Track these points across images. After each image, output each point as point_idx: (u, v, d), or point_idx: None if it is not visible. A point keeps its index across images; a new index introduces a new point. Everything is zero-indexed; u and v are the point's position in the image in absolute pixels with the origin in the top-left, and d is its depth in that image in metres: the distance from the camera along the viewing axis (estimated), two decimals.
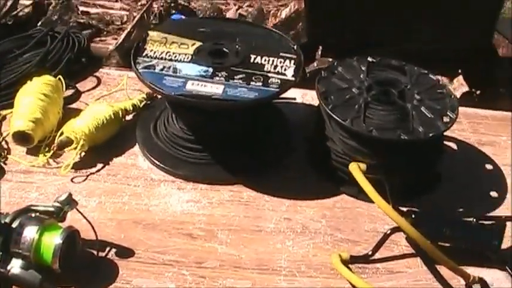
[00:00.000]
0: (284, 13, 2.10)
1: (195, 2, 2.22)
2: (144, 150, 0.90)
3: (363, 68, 0.91)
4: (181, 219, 0.84)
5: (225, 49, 0.90)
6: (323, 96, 0.85)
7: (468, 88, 1.89)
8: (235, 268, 0.78)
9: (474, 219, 0.80)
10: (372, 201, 0.78)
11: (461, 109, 1.03)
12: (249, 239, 0.80)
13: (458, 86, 1.91)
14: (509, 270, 0.78)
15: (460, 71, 1.94)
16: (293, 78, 0.85)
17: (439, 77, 0.92)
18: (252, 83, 0.83)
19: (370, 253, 0.78)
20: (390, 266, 0.79)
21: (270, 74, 0.85)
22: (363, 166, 0.77)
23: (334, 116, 0.81)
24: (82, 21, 1.82)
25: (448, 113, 0.85)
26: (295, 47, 0.92)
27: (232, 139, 0.89)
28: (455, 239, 0.79)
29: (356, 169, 0.74)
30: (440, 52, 1.89)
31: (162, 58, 0.87)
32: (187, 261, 0.77)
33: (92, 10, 2.09)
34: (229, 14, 2.15)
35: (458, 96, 1.83)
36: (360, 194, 0.85)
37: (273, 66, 0.87)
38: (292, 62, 0.88)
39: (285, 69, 0.86)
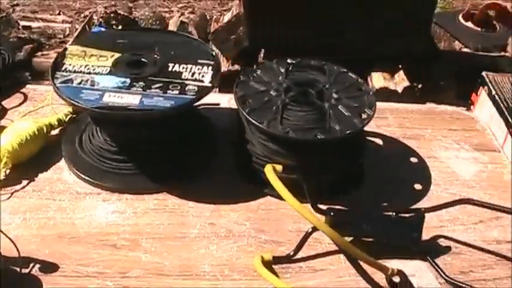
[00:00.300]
0: (226, 18, 2.11)
1: (137, 11, 2.23)
2: (70, 164, 0.90)
3: (282, 70, 0.91)
4: (106, 230, 0.84)
5: (143, 59, 0.90)
6: (241, 100, 0.86)
7: (409, 83, 1.92)
8: (159, 276, 0.78)
9: (393, 213, 0.80)
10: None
11: (387, 104, 1.04)
12: (173, 246, 0.81)
13: (400, 81, 1.94)
14: (430, 260, 0.79)
15: (400, 66, 1.97)
16: (210, 85, 0.85)
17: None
18: (168, 91, 0.83)
19: (292, 253, 0.78)
20: (313, 264, 0.80)
21: (187, 82, 0.86)
22: (279, 167, 0.78)
23: (251, 119, 0.82)
24: (23, 36, 1.82)
25: (365, 110, 0.86)
26: (213, 53, 0.92)
27: (155, 148, 0.89)
28: (375, 234, 0.80)
29: (270, 171, 0.74)
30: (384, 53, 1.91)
31: (80, 72, 0.88)
32: (111, 272, 0.78)
33: (34, 24, 2.09)
34: (172, 22, 2.15)
35: (400, 91, 1.86)
36: None
37: (190, 74, 0.87)
38: (210, 68, 0.88)
39: (202, 76, 0.87)
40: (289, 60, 0.94)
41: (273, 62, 0.94)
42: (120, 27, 1.88)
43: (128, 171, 0.89)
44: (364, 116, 0.85)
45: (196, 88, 0.85)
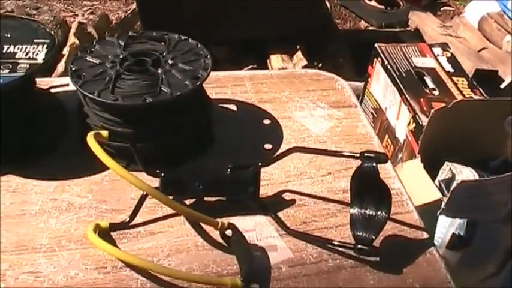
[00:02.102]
0: (125, 15, 2.11)
1: (36, 17, 2.21)
2: None
3: (121, 43, 0.91)
4: None
5: None
6: (75, 74, 0.85)
7: (307, 62, 1.94)
8: None
9: (229, 170, 0.80)
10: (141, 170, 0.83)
11: (246, 72, 1.05)
12: (12, 224, 0.80)
13: (298, 61, 1.96)
14: (271, 214, 0.80)
15: (298, 47, 1.99)
16: (43, 61, 0.84)
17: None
18: None
19: (128, 219, 0.78)
20: (152, 227, 0.80)
21: (20, 61, 0.86)
22: (105, 134, 0.77)
23: (82, 91, 0.81)
24: None
25: (200, 72, 0.86)
26: (52, 32, 0.91)
27: None
28: (211, 192, 0.80)
29: (91, 138, 0.74)
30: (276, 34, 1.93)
31: None
32: None
33: None
34: (74, 25, 2.14)
35: None
36: (130, 165, 0.85)
37: (25, 53, 0.87)
38: (45, 46, 0.87)
39: (36, 54, 0.87)
40: (130, 34, 0.94)
41: (113, 37, 0.93)
42: None
43: None
44: (198, 78, 0.84)
45: (27, 66, 0.84)
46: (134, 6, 2.17)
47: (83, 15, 2.28)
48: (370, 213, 0.75)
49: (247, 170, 0.82)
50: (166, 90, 0.82)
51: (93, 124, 0.86)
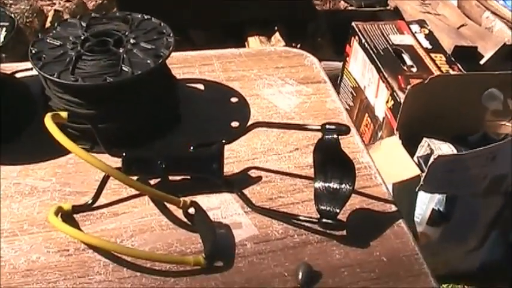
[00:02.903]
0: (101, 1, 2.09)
1: (13, 6, 2.18)
2: None
3: (84, 24, 0.89)
4: None
5: None
6: (35, 56, 0.84)
7: (285, 43, 1.92)
8: None
9: (191, 148, 0.79)
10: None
11: (214, 51, 1.04)
12: None
13: (276, 42, 1.94)
14: (236, 191, 0.79)
15: (276, 28, 1.97)
16: (1, 44, 0.83)
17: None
18: None
19: (91, 200, 0.77)
20: (116, 208, 0.80)
21: None
22: (64, 114, 0.76)
23: (42, 73, 0.80)
24: None
25: (162, 51, 0.84)
26: (12, 15, 0.90)
27: None
28: (174, 170, 0.79)
29: (48, 119, 0.72)
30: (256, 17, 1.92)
31: None
32: None
33: None
34: (51, 13, 2.12)
35: None
36: (94, 148, 0.84)
37: None
38: (4, 29, 0.86)
39: None
40: (93, 15, 0.92)
41: (76, 19, 0.92)
42: None
43: None
44: (161, 56, 0.83)
45: None
46: None
47: (59, 3, 2.25)
48: (335, 186, 0.75)
49: (210, 147, 0.79)
50: (127, 70, 0.81)
51: (56, 107, 0.86)
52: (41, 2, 2.51)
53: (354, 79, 1.80)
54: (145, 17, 0.94)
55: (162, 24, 0.92)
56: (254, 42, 1.90)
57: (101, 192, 0.78)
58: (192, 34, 1.84)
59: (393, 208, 0.81)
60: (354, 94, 1.83)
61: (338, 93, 1.09)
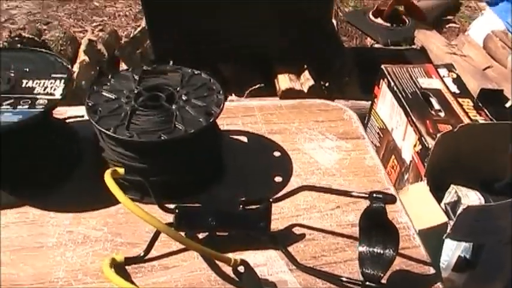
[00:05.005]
0: (135, 33, 2.14)
1: (46, 33, 2.24)
2: None
3: (136, 77, 0.93)
4: None
5: None
6: (91, 110, 0.88)
7: (314, 82, 1.96)
8: (14, 287, 0.79)
9: (240, 205, 0.83)
10: (154, 203, 0.85)
11: (255, 102, 1.08)
12: (29, 256, 0.82)
13: (305, 81, 1.98)
14: (282, 248, 0.82)
15: (305, 66, 2.01)
16: (60, 97, 0.87)
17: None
18: (19, 106, 0.85)
19: (143, 253, 0.80)
20: (166, 261, 0.82)
21: (38, 96, 0.88)
22: (121, 170, 0.80)
23: (99, 127, 0.84)
24: None
25: (213, 108, 0.88)
26: (68, 66, 0.94)
27: (15, 163, 0.90)
28: (223, 227, 0.83)
29: (107, 175, 0.76)
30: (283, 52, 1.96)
31: None
32: None
33: None
34: (84, 41, 2.17)
35: (306, 91, 1.90)
36: (144, 198, 0.87)
37: (43, 88, 0.89)
38: (62, 81, 0.90)
39: (54, 89, 0.89)
40: (144, 67, 0.96)
41: (128, 71, 0.96)
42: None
43: None
44: (211, 115, 0.87)
45: (46, 101, 0.87)
46: (143, 23, 2.19)
47: (92, 31, 2.31)
48: (378, 251, 0.78)
49: (258, 206, 0.83)
50: (180, 127, 0.85)
51: (109, 158, 0.89)
52: (74, 29, 2.57)
53: (382, 120, 1.84)
54: (195, 72, 0.97)
55: (211, 80, 0.96)
56: (284, 79, 1.93)
57: (152, 245, 0.82)
58: (221, 67, 1.88)
59: (431, 270, 0.84)
60: (381, 135, 1.86)
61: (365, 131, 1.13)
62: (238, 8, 1.76)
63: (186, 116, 0.87)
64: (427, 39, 2.50)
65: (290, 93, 1.94)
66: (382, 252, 0.78)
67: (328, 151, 1.02)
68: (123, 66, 2.07)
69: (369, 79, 1.99)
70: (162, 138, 0.84)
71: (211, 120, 0.87)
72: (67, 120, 1.04)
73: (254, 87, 1.92)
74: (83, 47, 2.23)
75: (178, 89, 0.93)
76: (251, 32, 1.81)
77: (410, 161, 1.68)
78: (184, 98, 0.91)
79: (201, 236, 0.86)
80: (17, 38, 1.91)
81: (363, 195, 0.78)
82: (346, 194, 0.85)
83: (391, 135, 1.76)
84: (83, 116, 1.04)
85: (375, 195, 0.76)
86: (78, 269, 0.82)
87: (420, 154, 1.65)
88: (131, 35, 2.15)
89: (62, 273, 0.81)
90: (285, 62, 2.00)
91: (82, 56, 2.12)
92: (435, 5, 2.82)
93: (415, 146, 1.67)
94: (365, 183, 0.96)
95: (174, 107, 0.89)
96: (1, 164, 0.90)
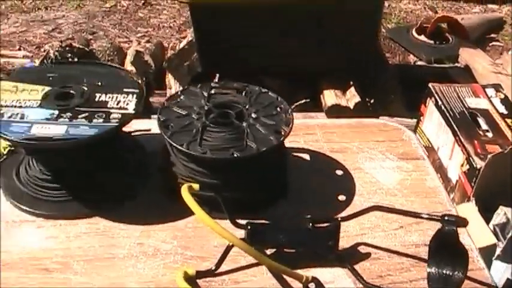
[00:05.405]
0: (182, 45, 2.17)
1: (94, 43, 2.28)
2: (6, 193, 0.94)
3: (205, 94, 0.96)
4: (39, 255, 0.88)
5: (71, 91, 0.94)
6: (163, 125, 0.90)
7: (360, 98, 1.97)
8: None
9: (310, 223, 0.85)
10: (223, 218, 0.86)
11: (316, 121, 1.10)
12: (102, 267, 0.85)
13: (351, 97, 1.99)
14: (349, 267, 0.84)
15: (351, 83, 2.02)
16: (134, 112, 0.90)
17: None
18: (94, 120, 0.88)
19: (214, 267, 0.82)
20: (236, 276, 0.84)
21: (112, 110, 0.90)
22: (196, 186, 0.82)
23: (172, 142, 0.86)
24: None
25: (282, 127, 0.90)
26: (139, 81, 0.96)
27: (86, 174, 0.93)
28: (293, 244, 0.84)
29: (184, 190, 0.79)
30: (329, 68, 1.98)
31: (11, 106, 0.92)
32: None
33: None
34: (130, 52, 2.20)
35: (352, 107, 1.91)
36: (211, 213, 0.89)
37: (116, 102, 0.92)
38: (135, 96, 0.93)
39: (127, 104, 0.91)
40: (212, 84, 0.98)
41: (196, 87, 0.98)
42: (76, 60, 1.92)
43: (61, 198, 0.93)
44: (280, 133, 0.89)
45: (120, 115, 0.89)
46: (189, 36, 2.22)
47: (139, 43, 2.34)
48: (447, 272, 0.79)
49: (328, 224, 0.85)
50: (252, 145, 0.87)
51: (179, 173, 0.91)
52: (118, 39, 2.61)
53: (427, 139, 1.84)
54: (263, 90, 0.99)
55: (279, 98, 0.98)
56: (329, 95, 1.95)
57: (223, 260, 0.83)
58: (267, 81, 1.90)
59: None
60: (426, 153, 1.86)
61: None
62: (287, 24, 1.77)
63: (256, 134, 0.89)
64: (472, 58, 2.51)
65: (336, 110, 1.96)
66: (451, 274, 0.79)
67: (389, 171, 1.04)
68: (169, 77, 2.10)
69: (412, 96, 1.99)
70: (235, 155, 0.85)
71: (281, 139, 0.89)
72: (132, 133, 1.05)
73: (300, 102, 1.93)
74: (129, 58, 2.26)
75: (247, 106, 0.94)
76: (298, 47, 1.82)
77: (457, 181, 1.69)
78: (253, 116, 0.93)
79: (268, 251, 0.86)
80: (67, 48, 1.94)
81: (435, 217, 0.79)
82: (416, 215, 0.86)
83: (437, 153, 1.77)
84: (149, 130, 1.06)
85: (447, 218, 0.77)
86: (150, 280, 0.84)
87: (467, 174, 1.65)
88: (177, 47, 2.18)
89: (134, 284, 0.83)
90: (330, 77, 2.01)
91: (129, 67, 2.16)
92: (478, 23, 2.82)
93: (462, 165, 1.68)
94: (427, 204, 0.97)
95: (244, 124, 0.91)
96: (74, 176, 0.92)
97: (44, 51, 2.28)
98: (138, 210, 0.95)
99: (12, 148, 1.05)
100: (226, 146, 0.87)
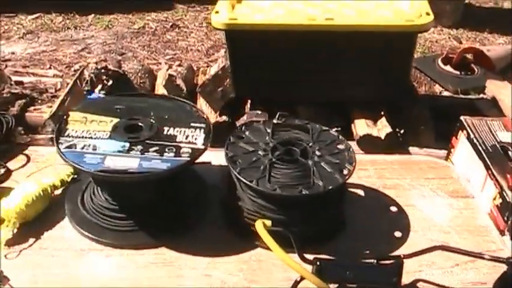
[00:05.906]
0: (213, 70, 2.20)
1: (126, 64, 2.31)
2: (73, 221, 0.97)
3: (268, 130, 0.99)
4: (109, 284, 0.90)
5: (140, 124, 0.97)
6: (231, 160, 0.93)
7: (391, 129, 2.00)
8: None
9: (375, 261, 0.88)
10: (289, 252, 0.87)
11: (367, 157, 1.13)
12: None
13: (382, 128, 2.02)
14: None
15: (382, 113, 2.05)
16: (203, 147, 0.93)
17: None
18: (165, 154, 0.91)
19: None
20: None
21: (181, 144, 0.93)
22: (268, 223, 0.85)
23: (241, 178, 0.90)
24: (16, 91, 1.89)
25: (346, 165, 0.94)
26: (205, 116, 1.00)
27: (153, 205, 0.96)
28: (358, 281, 0.88)
29: (260, 226, 0.82)
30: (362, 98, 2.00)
31: (82, 137, 0.95)
32: None
33: (25, 79, 2.17)
34: (160, 74, 2.24)
35: (382, 138, 1.94)
36: None
37: (184, 137, 0.95)
38: (202, 131, 0.96)
39: (195, 139, 0.95)
40: (274, 121, 1.02)
41: (259, 123, 1.02)
42: (110, 82, 1.95)
43: (127, 228, 0.96)
44: (345, 171, 0.92)
45: (190, 150, 0.93)
46: (218, 59, 2.25)
47: (170, 67, 2.37)
48: None
49: (391, 262, 0.88)
50: (319, 183, 0.90)
51: (246, 208, 0.94)
52: (147, 61, 2.64)
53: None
54: (323, 128, 1.02)
55: (340, 137, 1.01)
56: (361, 125, 1.97)
57: None
58: (299, 109, 1.93)
59: None
60: None
61: None
62: (326, 55, 1.81)
63: (322, 172, 0.92)
64: (498, 90, 2.53)
65: (367, 139, 1.98)
66: None
67: (441, 208, 1.06)
68: (200, 101, 2.13)
69: (440, 127, 2.01)
70: (304, 193, 0.88)
71: (346, 178, 0.91)
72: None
73: (331, 130, 1.96)
74: (159, 80, 2.29)
75: (310, 144, 0.97)
76: (331, 77, 1.85)
77: (488, 214, 1.71)
78: (318, 153, 0.96)
79: (332, 286, 0.89)
80: (103, 70, 1.97)
81: (500, 259, 0.82)
82: (481, 257, 0.89)
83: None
84: (210, 163, 1.09)
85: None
86: None
87: (500, 208, 1.68)
88: (208, 72, 2.21)
89: None
90: (361, 107, 2.04)
91: (161, 90, 2.19)
92: (504, 55, 2.84)
93: (494, 199, 1.70)
94: (480, 242, 1.00)
95: (310, 162, 0.94)
96: (141, 206, 0.98)
97: (75, 71, 2.31)
98: (202, 241, 0.98)
99: (76, 176, 1.08)
100: (293, 183, 0.90)
